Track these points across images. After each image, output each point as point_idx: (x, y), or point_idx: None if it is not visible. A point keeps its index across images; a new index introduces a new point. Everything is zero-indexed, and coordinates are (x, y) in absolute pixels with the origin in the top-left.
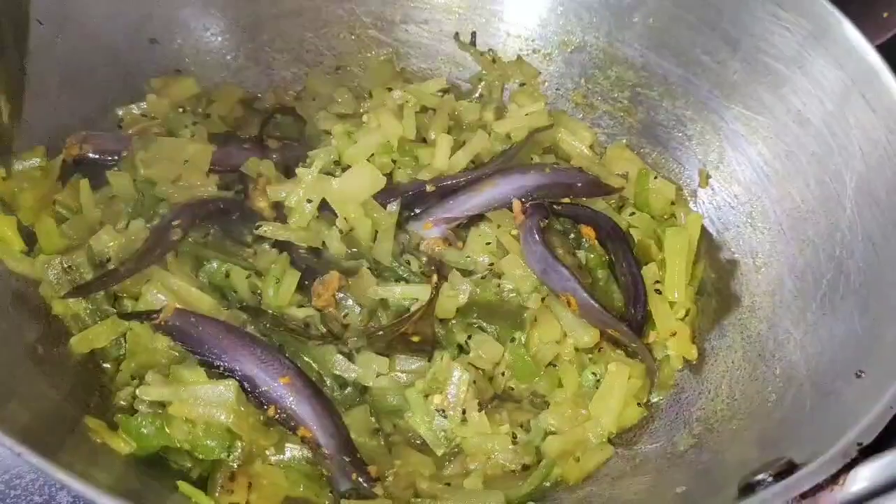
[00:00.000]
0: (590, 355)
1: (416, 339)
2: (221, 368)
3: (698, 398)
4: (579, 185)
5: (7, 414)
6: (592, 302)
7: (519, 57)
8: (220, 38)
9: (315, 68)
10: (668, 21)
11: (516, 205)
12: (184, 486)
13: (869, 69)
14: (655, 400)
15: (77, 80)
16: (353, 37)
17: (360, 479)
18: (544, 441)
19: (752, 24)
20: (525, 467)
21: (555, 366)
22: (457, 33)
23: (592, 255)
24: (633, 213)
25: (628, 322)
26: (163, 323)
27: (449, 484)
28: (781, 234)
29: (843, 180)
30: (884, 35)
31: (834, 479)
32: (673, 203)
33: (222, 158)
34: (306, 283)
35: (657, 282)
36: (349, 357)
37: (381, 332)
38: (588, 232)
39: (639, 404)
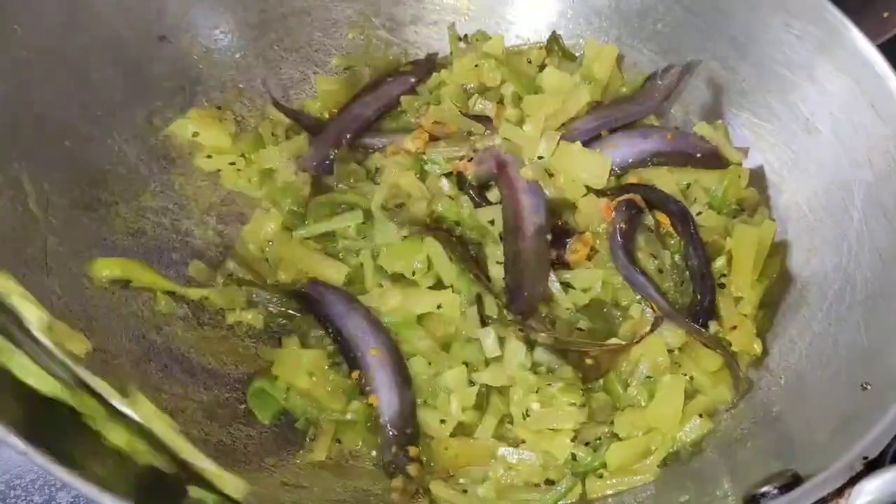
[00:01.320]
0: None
1: (590, 361)
2: (330, 329)
3: None
4: (699, 155)
5: (8, 411)
6: (671, 310)
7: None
8: (228, 36)
9: (323, 68)
10: (677, 27)
11: (605, 204)
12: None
13: (878, 78)
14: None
15: (85, 77)
16: (361, 37)
17: (399, 454)
18: (608, 451)
19: (761, 32)
20: (549, 482)
21: (651, 378)
22: (465, 35)
23: (672, 242)
24: (699, 213)
25: (696, 308)
26: (299, 289)
27: (465, 491)
28: (787, 243)
29: (851, 189)
30: (884, 35)
31: (839, 493)
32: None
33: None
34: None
35: (723, 275)
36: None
37: (568, 340)
38: (663, 218)
39: (700, 416)
